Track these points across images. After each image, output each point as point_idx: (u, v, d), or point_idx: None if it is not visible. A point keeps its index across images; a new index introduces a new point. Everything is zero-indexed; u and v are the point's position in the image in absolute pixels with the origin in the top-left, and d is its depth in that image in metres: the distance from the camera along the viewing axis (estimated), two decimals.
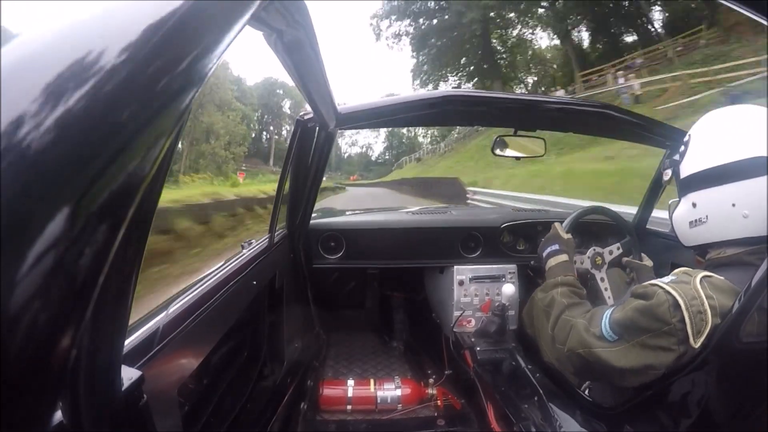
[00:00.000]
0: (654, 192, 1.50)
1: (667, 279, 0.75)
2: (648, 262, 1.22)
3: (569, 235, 1.14)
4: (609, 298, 1.21)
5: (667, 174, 0.91)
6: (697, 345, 0.69)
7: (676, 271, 0.79)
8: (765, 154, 0.72)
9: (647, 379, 0.75)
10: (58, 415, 0.33)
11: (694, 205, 0.82)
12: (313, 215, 1.49)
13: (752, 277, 0.66)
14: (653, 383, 0.75)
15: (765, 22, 0.57)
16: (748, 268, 0.70)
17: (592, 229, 1.52)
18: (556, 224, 1.18)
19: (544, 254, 1.11)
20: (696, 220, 0.82)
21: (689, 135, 0.85)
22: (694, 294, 0.70)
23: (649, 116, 1.35)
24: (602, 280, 1.24)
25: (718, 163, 0.77)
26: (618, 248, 1.27)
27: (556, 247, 1.09)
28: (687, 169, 0.83)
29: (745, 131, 0.76)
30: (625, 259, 1.25)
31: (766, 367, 0.65)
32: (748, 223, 0.74)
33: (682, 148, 0.86)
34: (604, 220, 1.42)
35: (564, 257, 1.07)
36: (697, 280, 0.72)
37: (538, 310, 1.02)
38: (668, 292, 0.71)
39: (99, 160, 0.19)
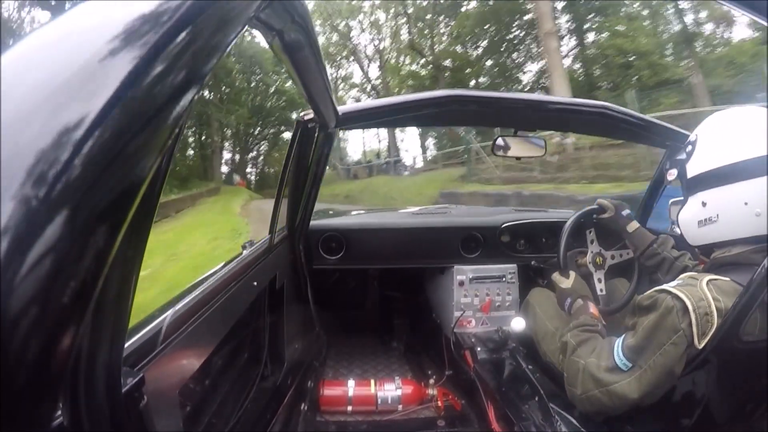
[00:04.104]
0: (654, 192, 1.50)
1: (674, 283, 0.75)
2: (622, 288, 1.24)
3: (572, 277, 1.11)
4: (600, 295, 1.22)
5: (672, 174, 0.90)
6: (701, 346, 0.69)
7: (682, 275, 0.79)
8: None
9: (662, 393, 0.74)
10: (59, 417, 0.33)
11: (703, 204, 0.80)
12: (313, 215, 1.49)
13: (753, 275, 0.66)
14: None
15: (765, 23, 0.57)
16: (753, 267, 0.70)
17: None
18: (554, 276, 1.14)
19: (566, 311, 1.08)
20: (706, 219, 0.80)
21: (696, 134, 0.85)
22: (701, 295, 0.70)
23: (648, 116, 1.35)
24: (599, 281, 1.24)
25: (729, 162, 0.76)
26: (626, 254, 1.26)
27: (568, 300, 1.07)
28: (695, 168, 0.82)
29: (756, 129, 0.75)
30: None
31: (767, 366, 0.65)
32: (760, 222, 0.73)
33: (689, 147, 0.84)
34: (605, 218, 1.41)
35: (579, 302, 1.04)
36: (704, 282, 0.72)
37: (547, 310, 1.07)
38: (676, 296, 0.71)
39: (99, 161, 0.19)
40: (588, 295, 1.08)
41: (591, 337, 0.90)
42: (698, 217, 0.82)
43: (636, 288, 1.19)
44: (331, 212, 2.05)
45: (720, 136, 0.80)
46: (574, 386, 0.84)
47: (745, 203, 0.74)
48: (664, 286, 0.74)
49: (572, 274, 1.12)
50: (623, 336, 0.80)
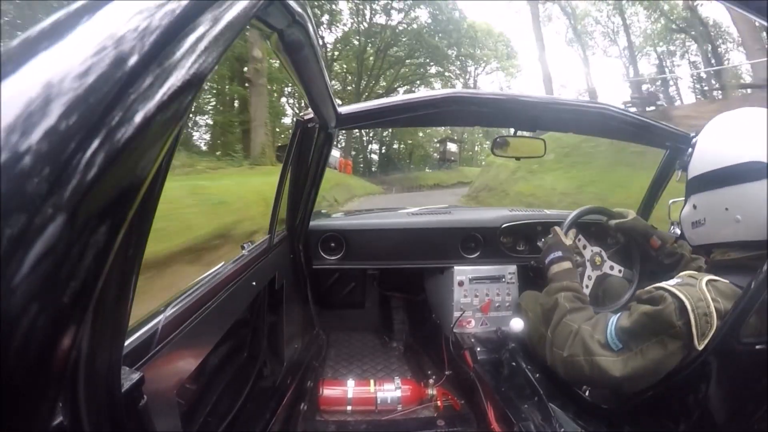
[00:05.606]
0: (654, 191, 1.50)
1: (672, 282, 0.75)
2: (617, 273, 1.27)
3: (571, 240, 1.13)
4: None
5: (678, 174, 0.96)
6: (701, 347, 0.69)
7: (682, 274, 0.79)
8: (759, 159, 0.71)
9: (644, 385, 0.75)
10: (59, 416, 0.33)
11: (694, 207, 0.84)
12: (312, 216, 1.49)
13: (752, 280, 0.66)
14: (655, 384, 0.75)
15: (765, 23, 0.57)
16: (751, 270, 0.70)
17: (591, 228, 1.52)
18: (557, 229, 1.15)
19: (547, 261, 1.07)
20: (696, 222, 0.83)
21: (696, 138, 0.86)
22: (700, 296, 0.70)
23: (647, 117, 1.36)
24: (589, 278, 1.25)
25: (714, 167, 0.78)
26: (613, 243, 1.29)
27: (559, 254, 1.06)
28: (691, 171, 0.85)
29: (741, 135, 0.76)
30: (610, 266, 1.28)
31: (766, 367, 0.66)
32: (740, 228, 0.74)
33: (690, 150, 0.87)
34: (603, 220, 1.41)
35: (567, 264, 1.04)
36: (703, 282, 0.72)
37: (539, 314, 1.03)
38: (675, 295, 0.71)
39: (99, 161, 0.19)
40: (580, 266, 1.12)
41: (585, 308, 0.92)
42: (691, 218, 0.85)
43: (636, 289, 1.19)
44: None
45: (711, 140, 0.82)
46: (560, 348, 0.85)
47: (726, 209, 0.76)
48: (663, 284, 0.75)
49: (571, 240, 1.14)
50: (618, 315, 0.81)
